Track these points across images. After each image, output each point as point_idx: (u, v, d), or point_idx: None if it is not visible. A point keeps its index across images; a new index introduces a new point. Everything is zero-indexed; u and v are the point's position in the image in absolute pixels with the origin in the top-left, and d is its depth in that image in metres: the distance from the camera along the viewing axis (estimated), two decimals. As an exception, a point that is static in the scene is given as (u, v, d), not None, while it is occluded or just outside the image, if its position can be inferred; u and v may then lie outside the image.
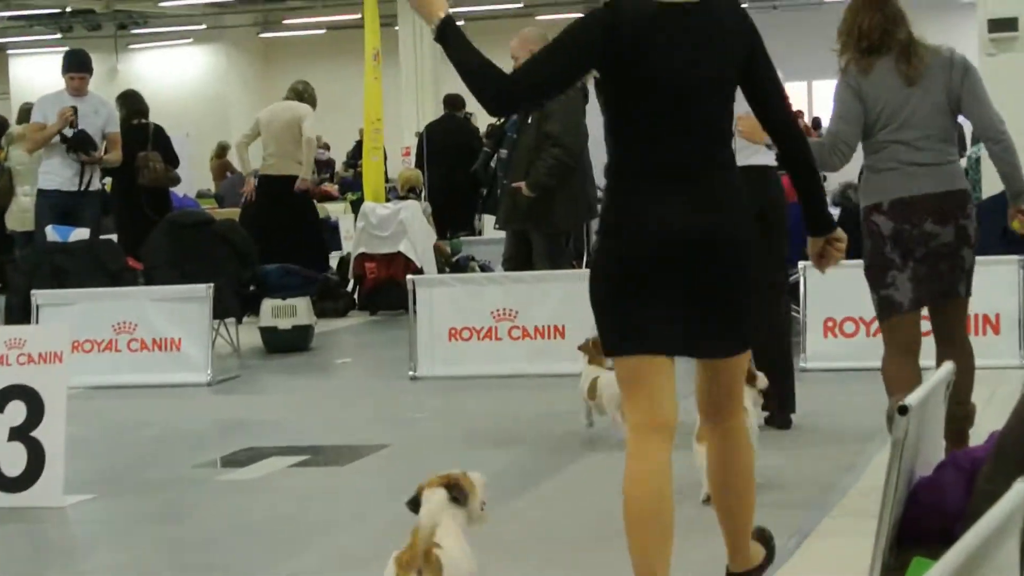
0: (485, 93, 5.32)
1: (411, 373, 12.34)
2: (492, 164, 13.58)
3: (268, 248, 15.22)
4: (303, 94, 17.36)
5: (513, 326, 11.78)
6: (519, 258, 12.87)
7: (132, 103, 16.59)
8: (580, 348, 9.55)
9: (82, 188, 14.45)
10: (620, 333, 5.32)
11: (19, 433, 8.11)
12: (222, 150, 30.17)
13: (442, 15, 5.36)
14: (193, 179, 28.29)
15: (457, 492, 5.09)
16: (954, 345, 7.51)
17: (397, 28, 33.34)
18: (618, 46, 5.20)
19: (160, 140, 16.43)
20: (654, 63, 5.22)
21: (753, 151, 8.31)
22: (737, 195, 5.41)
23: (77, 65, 14.88)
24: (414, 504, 4.98)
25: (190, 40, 43.63)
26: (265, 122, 16.76)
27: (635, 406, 5.36)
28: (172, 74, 42.56)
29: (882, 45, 7.44)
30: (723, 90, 5.40)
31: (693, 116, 5.28)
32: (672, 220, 5.22)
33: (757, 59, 5.44)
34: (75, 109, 14.32)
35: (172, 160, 16.50)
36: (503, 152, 13.02)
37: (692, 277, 5.24)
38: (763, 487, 6.57)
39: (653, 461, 5.26)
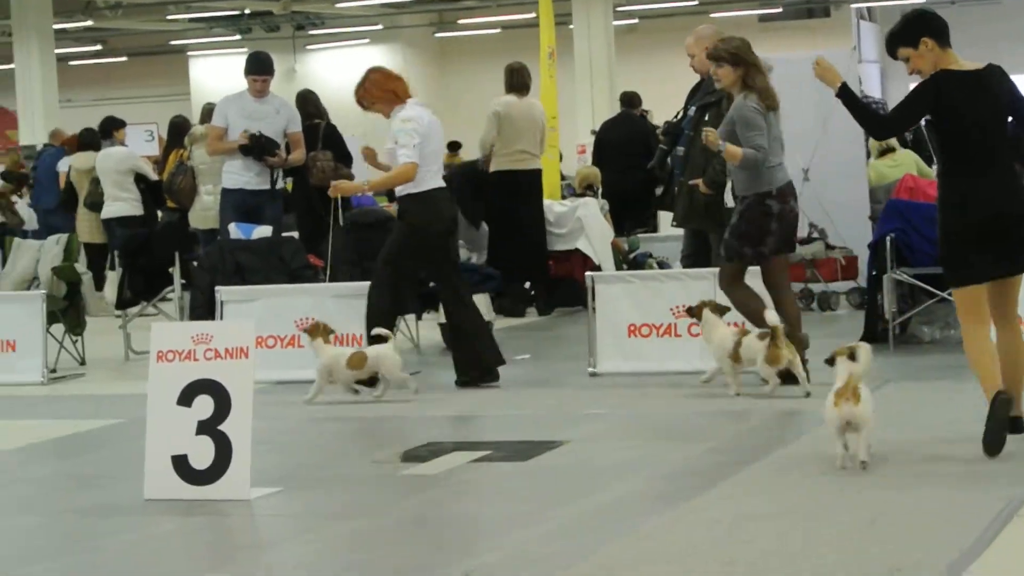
0: (877, 130, 10.54)
1: (590, 369, 12.34)
2: (669, 161, 13.49)
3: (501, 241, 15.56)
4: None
5: (692, 322, 11.69)
6: (698, 255, 12.81)
7: (305, 104, 16.73)
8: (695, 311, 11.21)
9: (264, 187, 14.64)
10: (962, 272, 8.66)
11: (207, 427, 8.21)
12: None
13: (840, 81, 8.92)
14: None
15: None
16: None
17: (571, 26, 33.33)
18: (940, 100, 8.64)
19: (332, 140, 16.53)
20: (961, 108, 8.61)
21: None
22: (1016, 181, 8.72)
23: (259, 67, 15.05)
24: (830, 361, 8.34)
25: (367, 40, 43.95)
26: (511, 116, 16.68)
27: (969, 313, 8.68)
28: (349, 74, 42.81)
29: None
30: (1000, 118, 8.68)
31: (988, 138, 8.63)
32: (989, 199, 8.56)
33: (1014, 93, 8.70)
34: (252, 136, 14.49)
35: (345, 159, 16.61)
36: (680, 149, 12.95)
37: (1003, 233, 8.60)
38: None
39: (983, 338, 8.64)
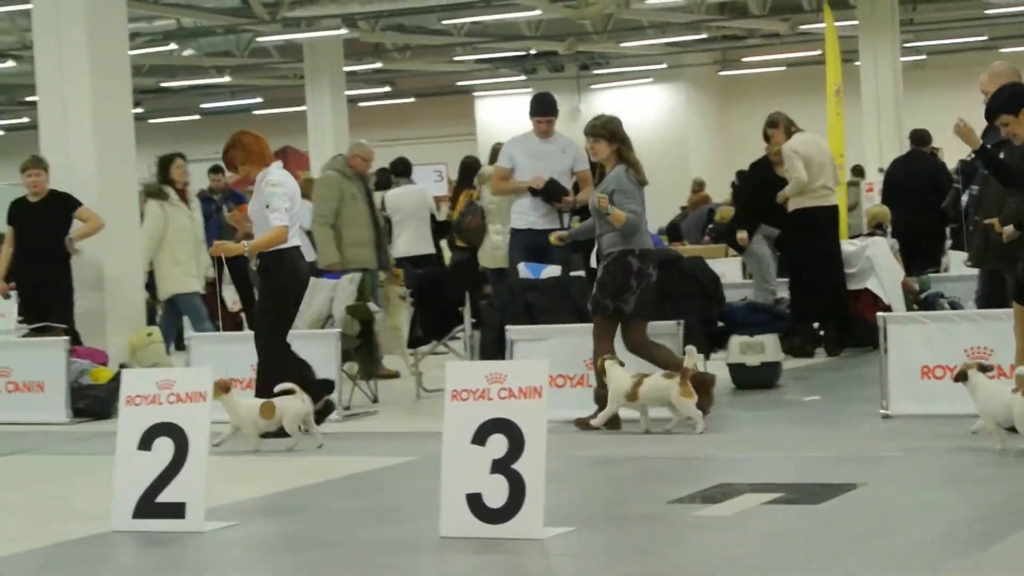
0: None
1: (882, 411, 12.16)
2: (963, 200, 13.26)
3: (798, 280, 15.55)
4: None
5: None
6: (994, 296, 12.56)
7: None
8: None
9: (553, 227, 14.74)
10: None
11: (501, 466, 8.26)
12: (699, 185, 30.23)
13: (980, 141, 9.89)
14: (658, 215, 28.43)
15: None
16: None
17: (858, 63, 32.98)
18: None
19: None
20: None
21: None
22: None
23: (544, 109, 15.16)
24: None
25: (650, 79, 44.06)
26: (808, 155, 16.59)
27: None
28: (633, 112, 42.95)
29: None
30: None
31: None
32: None
33: None
34: (545, 181, 14.62)
35: (631, 196, 16.62)
36: (974, 188, 12.73)
37: None
38: None
39: None
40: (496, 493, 8.26)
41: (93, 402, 14.70)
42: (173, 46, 33.97)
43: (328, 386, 13.28)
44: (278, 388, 12.10)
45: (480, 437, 8.34)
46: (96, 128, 16.45)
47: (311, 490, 10.62)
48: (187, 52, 35.17)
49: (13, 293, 16.53)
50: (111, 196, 16.44)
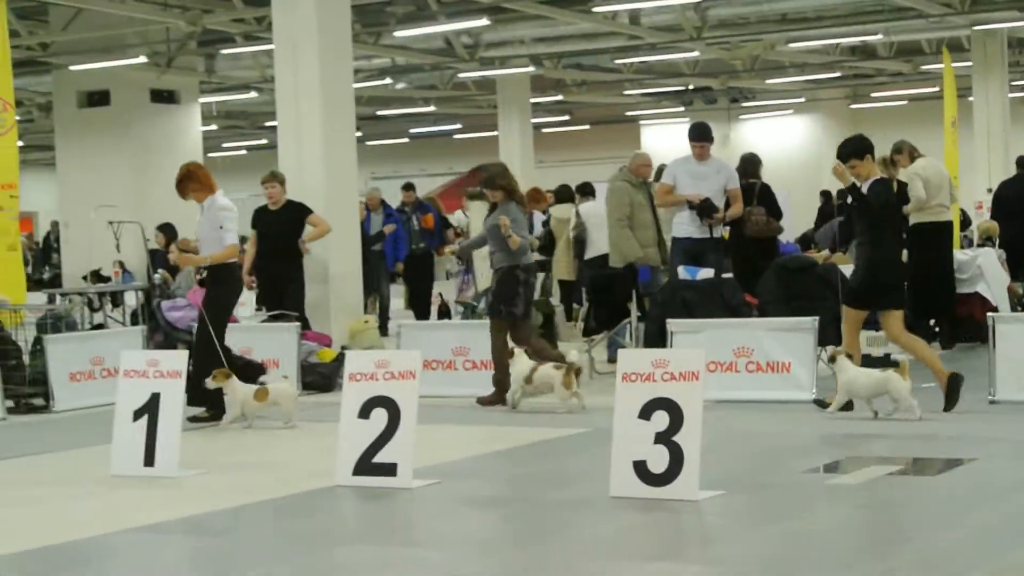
0: None
1: (990, 397, 11.93)
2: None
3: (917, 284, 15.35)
4: None
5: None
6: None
7: (746, 164, 16.65)
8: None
9: (707, 236, 14.68)
10: None
11: (663, 437, 8.25)
12: (826, 201, 29.88)
13: (851, 181, 10.06)
14: (794, 228, 28.23)
15: None
16: None
17: (971, 99, 32.42)
18: None
19: (765, 197, 16.40)
20: None
21: None
22: None
23: (701, 135, 15.11)
24: None
25: (790, 111, 43.70)
26: (928, 177, 16.32)
27: None
28: (775, 140, 42.67)
29: None
30: None
31: None
32: None
33: None
34: (701, 200, 14.54)
35: (776, 214, 16.45)
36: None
37: None
38: None
39: None
40: (658, 461, 8.25)
41: (319, 378, 14.87)
42: (388, 80, 34.27)
43: (259, 368, 13.55)
44: (267, 377, 12.72)
45: (646, 413, 8.33)
46: (325, 148, 16.66)
47: (500, 455, 10.67)
48: (399, 85, 35.45)
49: (254, 285, 16.77)
50: (336, 205, 16.63)
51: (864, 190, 11.56)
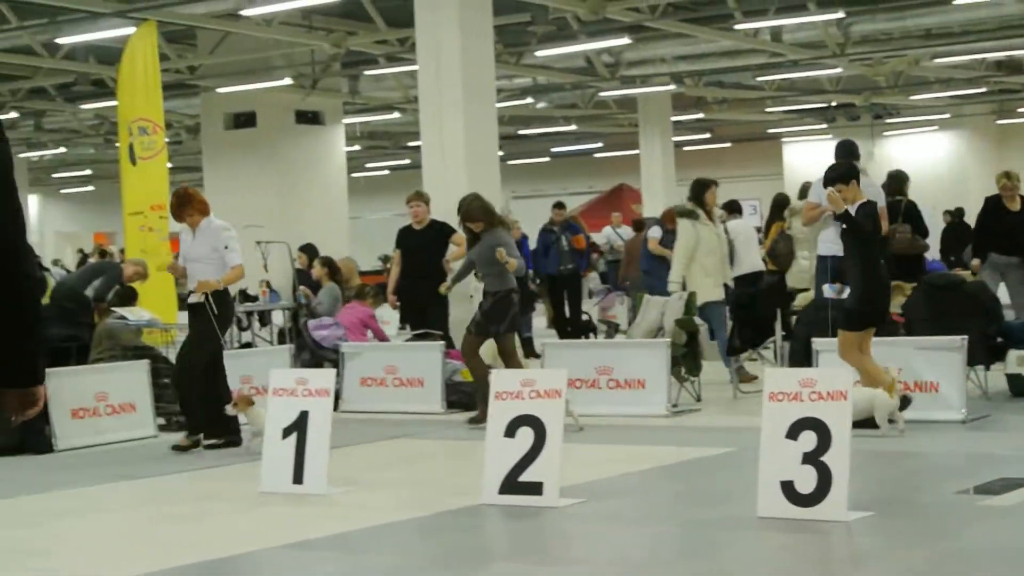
0: None
1: None
2: None
3: None
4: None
5: None
6: None
7: (892, 181, 16.47)
8: None
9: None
10: None
11: (810, 458, 8.17)
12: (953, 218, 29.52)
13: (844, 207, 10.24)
14: (936, 244, 27.85)
15: None
16: None
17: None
18: None
19: (911, 214, 16.20)
20: None
21: None
22: None
23: (846, 153, 14.94)
24: None
25: (935, 127, 43.14)
26: None
27: None
28: (919, 156, 42.14)
29: None
30: None
31: None
32: None
33: None
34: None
35: (922, 231, 16.24)
36: None
37: None
38: None
39: None
40: (806, 481, 8.17)
41: (463, 396, 14.95)
42: (529, 100, 34.42)
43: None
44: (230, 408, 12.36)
45: (793, 433, 8.25)
46: (468, 168, 16.79)
47: (645, 474, 10.64)
48: (540, 104, 35.57)
49: (397, 304, 16.90)
50: (480, 225, 16.71)
51: (852, 214, 11.87)
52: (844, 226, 11.94)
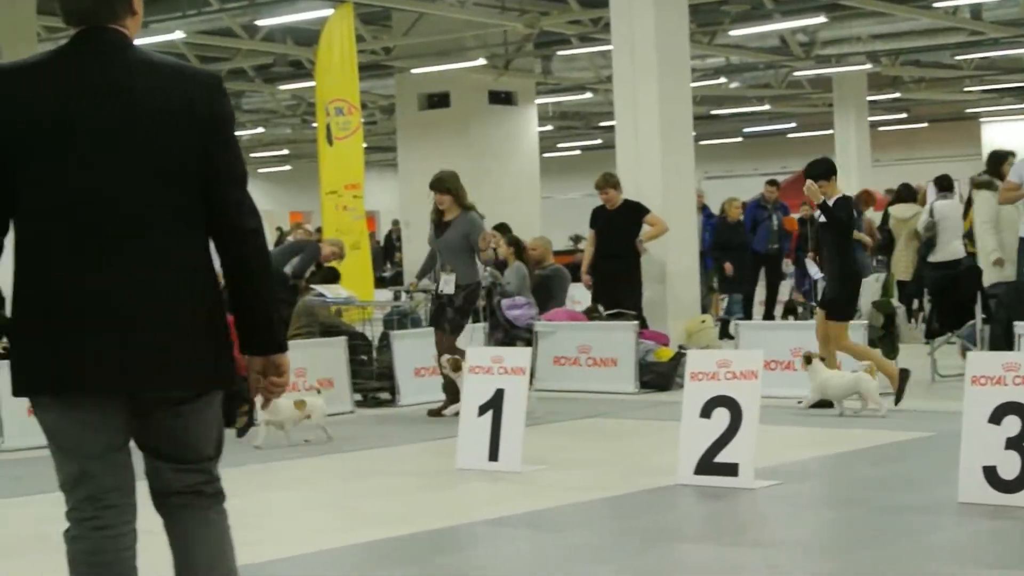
0: None
1: None
2: None
3: None
4: None
5: None
6: None
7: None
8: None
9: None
10: None
11: (1014, 443, 8.00)
12: None
13: (822, 198, 10.87)
14: None
15: None
16: None
17: None
18: None
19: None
20: None
21: None
22: None
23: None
24: None
25: None
26: None
27: None
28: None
29: None
30: None
31: None
32: None
33: None
34: None
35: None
36: None
37: None
38: None
39: None
40: (1010, 466, 8.01)
41: (656, 376, 14.93)
42: (722, 80, 34.19)
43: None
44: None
45: (996, 417, 8.10)
46: (662, 148, 16.74)
47: (839, 457, 10.54)
48: (733, 85, 35.31)
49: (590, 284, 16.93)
50: (673, 204, 16.70)
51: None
52: (824, 218, 12.80)
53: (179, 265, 4.21)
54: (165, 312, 4.18)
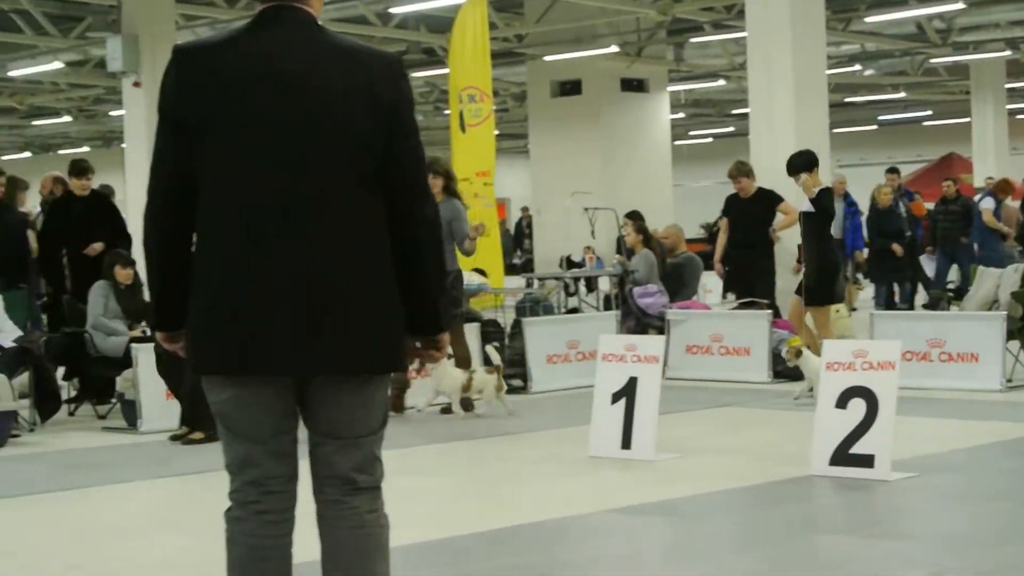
0: None
1: None
2: None
3: None
4: None
5: None
6: None
7: None
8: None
9: None
10: None
11: None
12: None
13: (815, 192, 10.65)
14: None
15: None
16: None
17: None
18: None
19: None
20: None
21: None
22: None
23: None
24: None
25: None
26: None
27: None
28: None
29: None
30: None
31: None
32: None
33: None
34: None
35: None
36: None
37: None
38: None
39: None
40: None
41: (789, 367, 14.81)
42: (857, 67, 33.80)
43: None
44: None
45: None
46: (797, 136, 16.58)
47: (978, 450, 10.39)
48: (868, 72, 34.87)
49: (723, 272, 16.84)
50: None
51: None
52: (812, 208, 13.39)
53: (366, 247, 4.26)
54: (357, 292, 4.22)
